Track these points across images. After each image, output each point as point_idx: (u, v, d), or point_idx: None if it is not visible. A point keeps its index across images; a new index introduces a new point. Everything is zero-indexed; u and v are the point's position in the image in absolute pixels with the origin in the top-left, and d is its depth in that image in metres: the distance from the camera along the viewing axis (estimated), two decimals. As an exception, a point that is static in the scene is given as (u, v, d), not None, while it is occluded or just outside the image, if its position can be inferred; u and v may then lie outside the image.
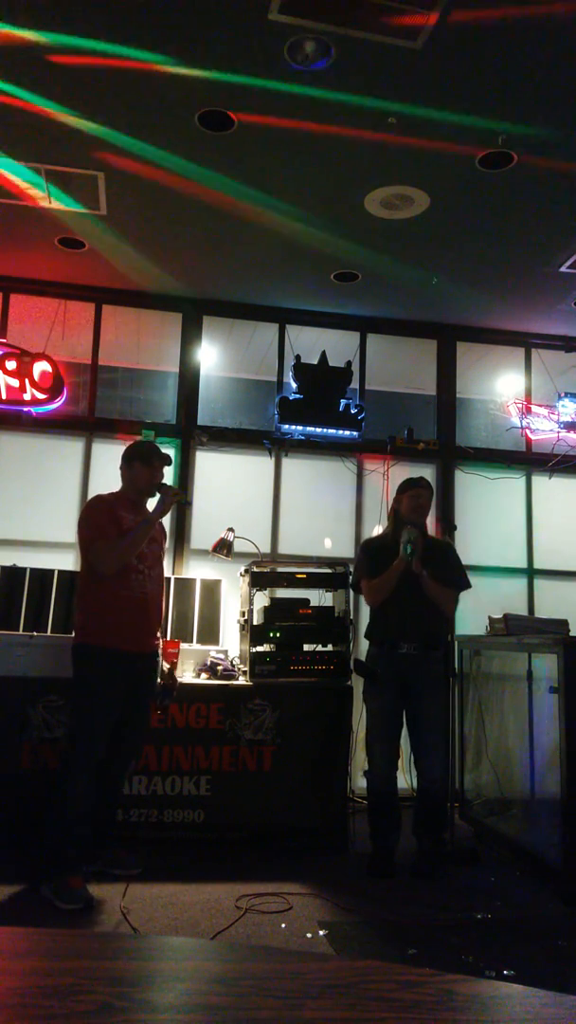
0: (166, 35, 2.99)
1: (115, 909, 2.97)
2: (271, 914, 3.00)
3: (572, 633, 4.10)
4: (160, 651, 3.54)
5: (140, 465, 3.42)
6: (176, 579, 4.65)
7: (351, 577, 3.98)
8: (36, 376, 4.95)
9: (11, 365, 4.95)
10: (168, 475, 5.12)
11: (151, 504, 3.47)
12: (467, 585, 3.79)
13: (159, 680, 3.51)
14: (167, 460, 3.51)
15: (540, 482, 5.68)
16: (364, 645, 3.85)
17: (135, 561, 3.27)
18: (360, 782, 4.11)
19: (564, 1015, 0.74)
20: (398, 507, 3.79)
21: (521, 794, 3.81)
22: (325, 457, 5.43)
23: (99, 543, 3.24)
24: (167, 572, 4.90)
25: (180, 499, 3.53)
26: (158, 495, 3.41)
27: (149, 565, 3.37)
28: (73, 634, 3.33)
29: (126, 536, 3.25)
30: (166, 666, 3.56)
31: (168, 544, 5.08)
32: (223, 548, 4.66)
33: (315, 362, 5.33)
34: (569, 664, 3.32)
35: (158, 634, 3.45)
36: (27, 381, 4.94)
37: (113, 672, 3.21)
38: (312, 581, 4.27)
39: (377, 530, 5.07)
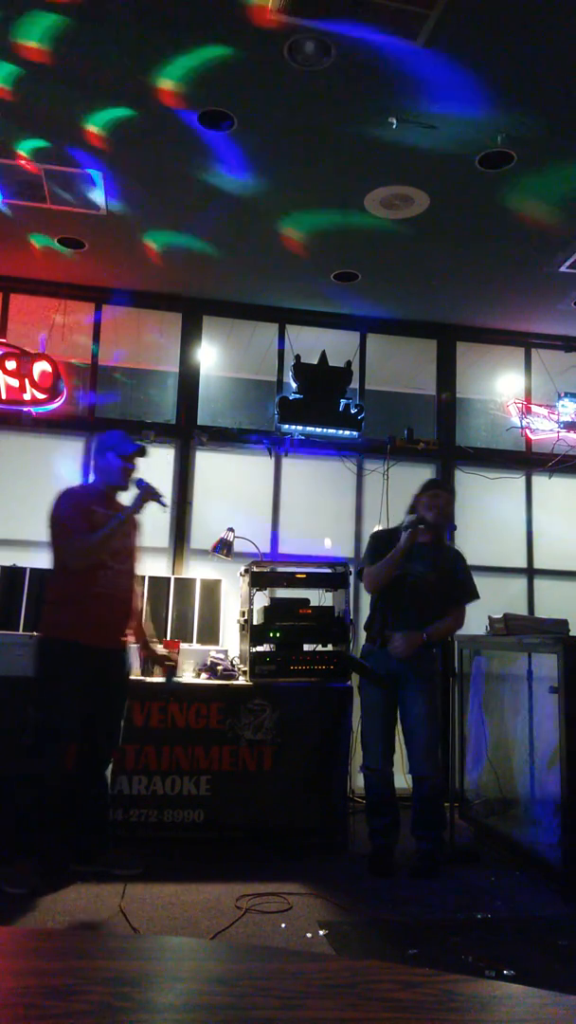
0: (166, 34, 2.99)
1: (115, 909, 2.96)
2: (271, 914, 2.99)
3: (572, 633, 4.10)
4: (148, 642, 3.51)
5: (114, 456, 3.33)
6: (176, 579, 4.66)
7: (359, 566, 3.95)
8: (36, 376, 4.95)
9: (11, 365, 4.94)
10: (168, 475, 5.18)
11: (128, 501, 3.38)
12: (475, 596, 3.74)
13: (163, 666, 3.47)
14: (142, 451, 3.41)
15: (540, 482, 5.68)
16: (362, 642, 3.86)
17: (105, 556, 3.22)
18: (360, 781, 4.11)
19: (564, 1015, 0.74)
20: (416, 506, 3.72)
21: (521, 794, 3.80)
22: (325, 457, 5.43)
23: (69, 538, 3.17)
24: (167, 572, 4.92)
25: (157, 499, 3.36)
26: (135, 489, 3.31)
27: (120, 560, 3.29)
28: (36, 632, 3.27)
29: (97, 532, 3.18)
30: (163, 650, 3.54)
31: (168, 544, 5.09)
32: (223, 548, 4.67)
33: (315, 362, 5.33)
34: (569, 664, 3.32)
35: (128, 631, 3.38)
36: (27, 381, 4.94)
37: (76, 667, 3.15)
38: (312, 581, 4.26)
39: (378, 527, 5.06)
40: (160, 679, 3.51)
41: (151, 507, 3.36)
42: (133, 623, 3.45)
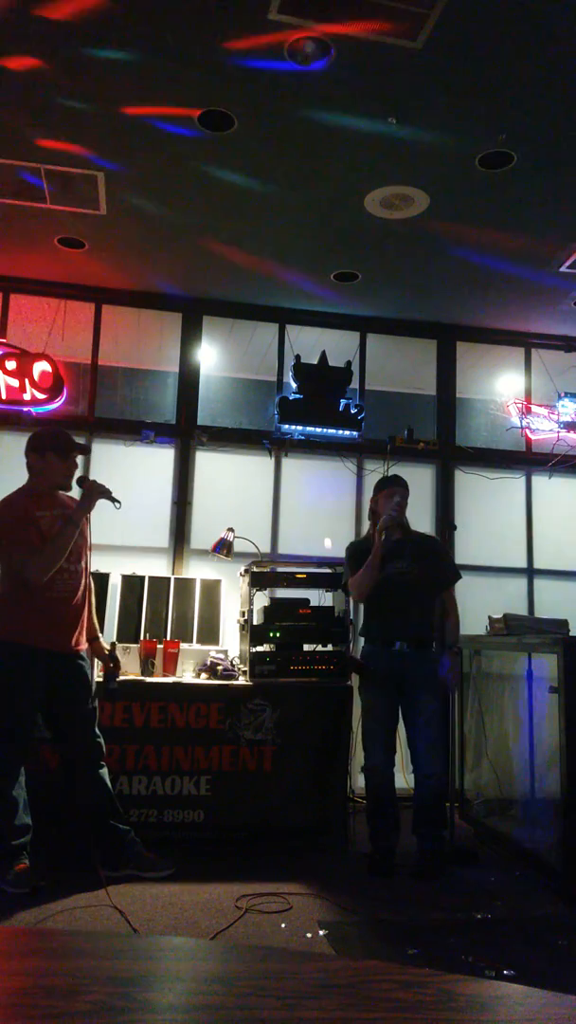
0: (166, 35, 2.99)
1: (114, 910, 2.96)
2: (271, 914, 2.99)
3: (572, 633, 4.10)
4: (96, 637, 3.45)
5: (54, 456, 3.22)
6: (176, 579, 4.65)
7: (342, 580, 3.98)
8: (36, 376, 4.94)
9: (11, 365, 4.94)
10: (168, 475, 5.18)
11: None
12: (458, 576, 3.85)
13: (106, 665, 3.43)
14: (84, 450, 3.28)
15: (540, 482, 5.68)
16: (361, 644, 3.86)
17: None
18: (360, 782, 4.11)
19: (564, 1015, 0.75)
20: (375, 507, 3.81)
21: (521, 794, 3.80)
22: (325, 457, 5.42)
23: (23, 555, 3.06)
24: (167, 572, 4.92)
25: (109, 497, 3.23)
26: (80, 488, 3.22)
27: (74, 560, 3.21)
28: None
29: (50, 543, 3.08)
30: (107, 645, 3.50)
31: (168, 544, 5.09)
32: (223, 548, 4.66)
33: (315, 362, 5.33)
34: (569, 664, 3.32)
35: (76, 635, 3.27)
36: (27, 381, 4.94)
37: (29, 670, 3.10)
38: (312, 581, 4.27)
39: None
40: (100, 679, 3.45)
41: (156, 507, 3.30)
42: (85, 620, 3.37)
